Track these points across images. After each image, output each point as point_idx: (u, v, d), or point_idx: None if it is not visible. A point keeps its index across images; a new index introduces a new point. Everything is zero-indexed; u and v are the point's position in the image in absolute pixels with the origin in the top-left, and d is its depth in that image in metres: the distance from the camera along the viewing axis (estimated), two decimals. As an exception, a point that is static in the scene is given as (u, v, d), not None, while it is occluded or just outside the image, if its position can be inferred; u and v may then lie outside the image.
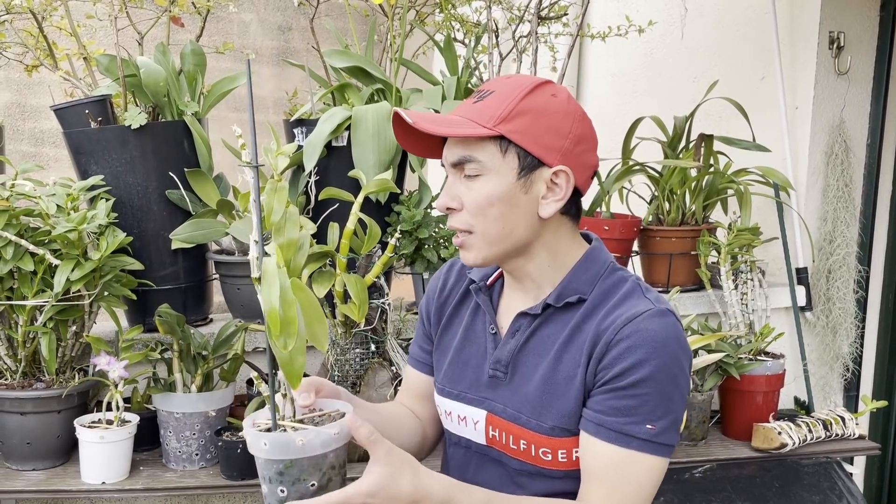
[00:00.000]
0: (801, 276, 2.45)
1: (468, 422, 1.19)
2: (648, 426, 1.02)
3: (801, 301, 2.42)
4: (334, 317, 1.87)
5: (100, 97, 1.96)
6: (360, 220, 1.83)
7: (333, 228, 1.85)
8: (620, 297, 1.09)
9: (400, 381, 1.85)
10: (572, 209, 1.12)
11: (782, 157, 2.45)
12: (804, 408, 2.41)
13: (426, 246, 2.08)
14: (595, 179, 1.92)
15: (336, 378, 1.86)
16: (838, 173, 2.36)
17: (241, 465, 1.77)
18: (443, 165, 1.13)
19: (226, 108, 5.11)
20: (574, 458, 1.09)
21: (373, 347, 1.85)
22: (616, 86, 3.32)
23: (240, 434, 1.79)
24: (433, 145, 1.14)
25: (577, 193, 1.11)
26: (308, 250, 1.76)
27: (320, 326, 1.08)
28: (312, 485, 0.98)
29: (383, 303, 1.84)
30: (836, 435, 2.13)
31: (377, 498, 0.96)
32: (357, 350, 1.85)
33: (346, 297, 1.80)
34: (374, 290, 1.86)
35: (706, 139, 2.26)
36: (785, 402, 2.44)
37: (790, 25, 2.47)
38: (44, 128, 5.25)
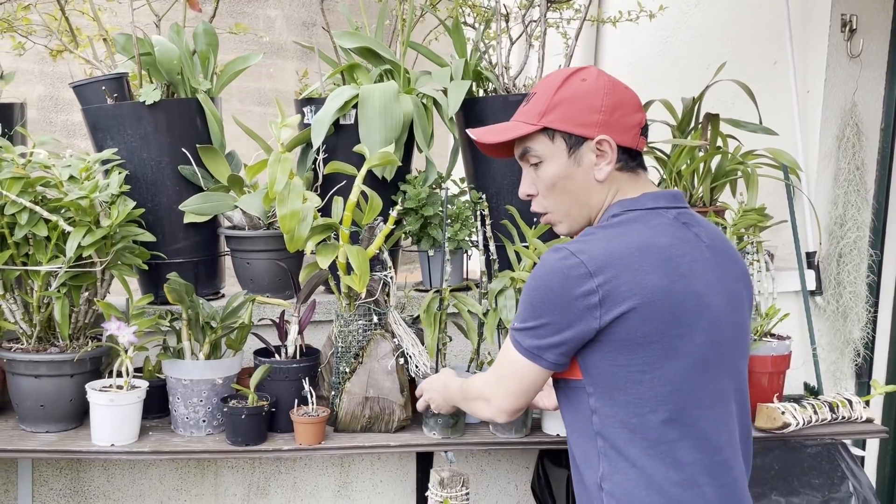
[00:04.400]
0: (812, 260, 2.43)
1: None
2: (515, 323, 1.34)
3: (812, 285, 2.40)
4: (339, 289, 1.91)
5: (117, 75, 2.03)
6: (364, 195, 1.87)
7: (338, 202, 1.89)
8: None
9: (401, 352, 1.88)
10: (628, 164, 1.34)
11: (794, 141, 2.44)
12: (813, 393, 2.39)
13: (432, 224, 2.11)
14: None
15: (340, 347, 1.90)
16: (850, 157, 2.34)
17: (245, 431, 1.82)
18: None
19: (252, 103, 5.21)
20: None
21: (375, 319, 1.88)
22: (632, 74, 3.32)
23: (245, 401, 1.84)
24: (508, 148, 1.42)
25: (628, 151, 1.34)
26: (311, 222, 1.82)
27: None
28: None
29: (385, 275, 1.88)
30: (843, 418, 2.11)
31: (424, 385, 1.73)
32: (360, 322, 1.89)
33: (349, 268, 1.84)
34: (378, 264, 1.90)
35: (712, 119, 2.26)
36: (795, 387, 2.43)
37: (802, 9, 2.46)
38: (75, 120, 5.39)
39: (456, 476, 1.82)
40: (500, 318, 1.88)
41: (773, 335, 2.16)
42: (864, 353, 2.48)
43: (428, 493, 1.82)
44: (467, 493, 1.82)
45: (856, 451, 2.08)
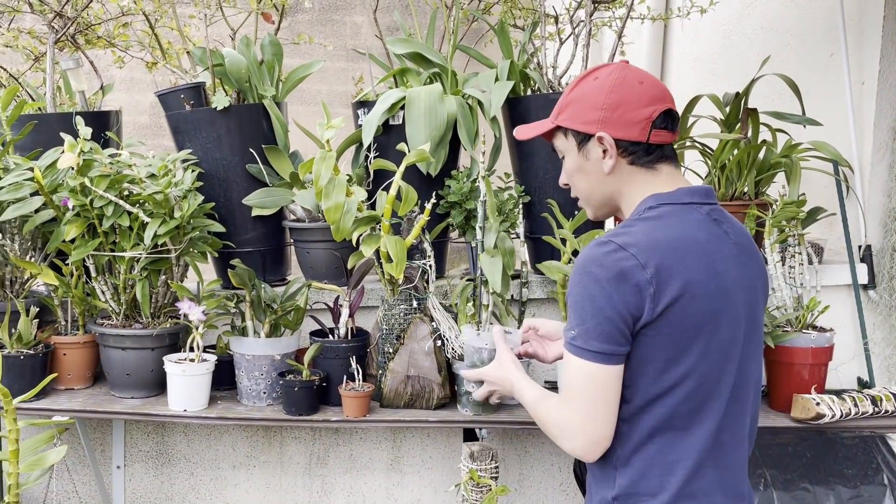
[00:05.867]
0: (868, 253, 2.40)
1: None
2: (571, 332, 1.31)
3: (864, 279, 2.38)
4: (383, 275, 2.09)
5: (195, 84, 2.28)
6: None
7: (381, 196, 2.06)
8: None
9: (438, 335, 2.03)
10: (643, 159, 1.38)
11: (848, 133, 2.41)
12: (865, 387, 2.37)
13: (475, 216, 2.25)
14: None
15: (384, 330, 2.07)
16: (904, 148, 2.30)
17: (298, 402, 2.02)
18: None
19: (339, 105, 5.49)
20: None
21: (415, 304, 2.04)
22: (696, 69, 3.33)
23: (300, 376, 2.04)
24: None
25: (637, 145, 1.37)
26: (355, 214, 1.99)
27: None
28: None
29: (424, 263, 2.03)
30: (886, 411, 2.10)
31: (496, 378, 1.63)
32: (401, 306, 2.06)
33: (389, 257, 2.01)
34: (417, 252, 2.06)
35: (752, 113, 2.28)
36: (849, 381, 2.41)
37: (858, 0, 2.43)
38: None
39: (486, 450, 1.95)
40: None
41: (814, 327, 2.17)
42: (922, 348, 2.42)
43: (460, 465, 1.96)
44: (496, 467, 1.95)
45: (893, 445, 2.06)
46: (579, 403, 1.30)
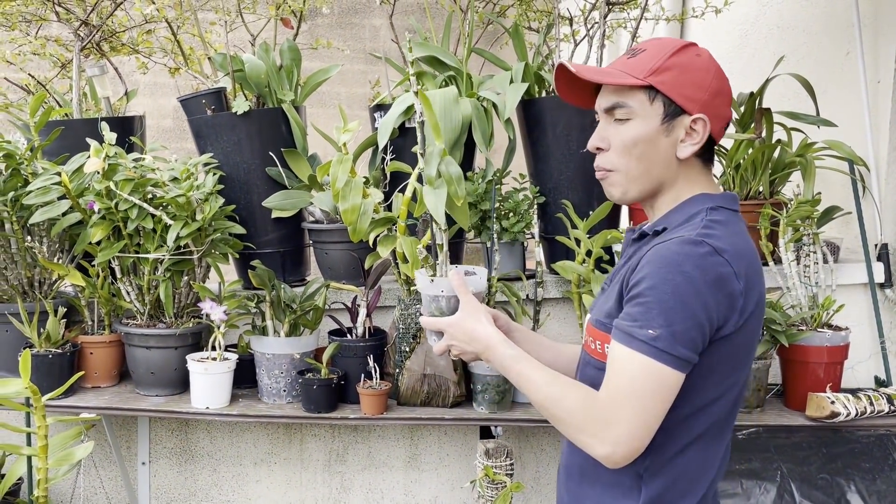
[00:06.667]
0: (883, 252, 2.40)
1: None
2: (650, 331, 1.16)
3: (880, 278, 2.38)
4: (400, 275, 2.12)
5: (216, 89, 2.33)
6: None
7: (398, 198, 2.10)
8: (685, 228, 1.23)
9: (454, 333, 2.06)
10: (705, 154, 1.29)
11: (864, 131, 2.41)
12: (883, 385, 2.36)
13: (490, 217, 2.28)
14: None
15: (400, 329, 2.11)
16: (921, 147, 2.29)
17: (317, 400, 2.07)
18: (596, 113, 1.32)
19: (358, 108, 5.54)
20: (604, 351, 1.26)
21: (431, 303, 2.08)
22: (713, 69, 3.33)
23: (318, 374, 2.08)
24: (587, 96, 1.35)
25: (710, 141, 1.28)
26: (372, 215, 2.03)
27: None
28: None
29: (438, 264, 2.06)
30: (902, 410, 2.10)
31: (454, 328, 1.38)
32: (417, 306, 2.09)
33: (405, 257, 2.05)
34: (433, 253, 2.09)
35: (765, 113, 2.29)
36: (865, 380, 2.41)
37: (873, -2, 2.43)
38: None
39: (500, 447, 1.98)
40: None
41: (829, 326, 2.18)
42: (940, 347, 2.42)
43: (475, 462, 1.99)
44: (511, 464, 1.98)
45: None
46: (632, 410, 1.16)
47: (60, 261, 2.22)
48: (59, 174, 2.06)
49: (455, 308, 1.41)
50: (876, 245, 2.40)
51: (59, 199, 2.09)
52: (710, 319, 1.17)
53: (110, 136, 2.05)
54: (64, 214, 2.09)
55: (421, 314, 1.55)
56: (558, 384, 1.25)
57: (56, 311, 2.16)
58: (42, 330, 2.15)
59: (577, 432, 1.21)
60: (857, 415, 2.04)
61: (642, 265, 1.21)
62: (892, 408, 2.09)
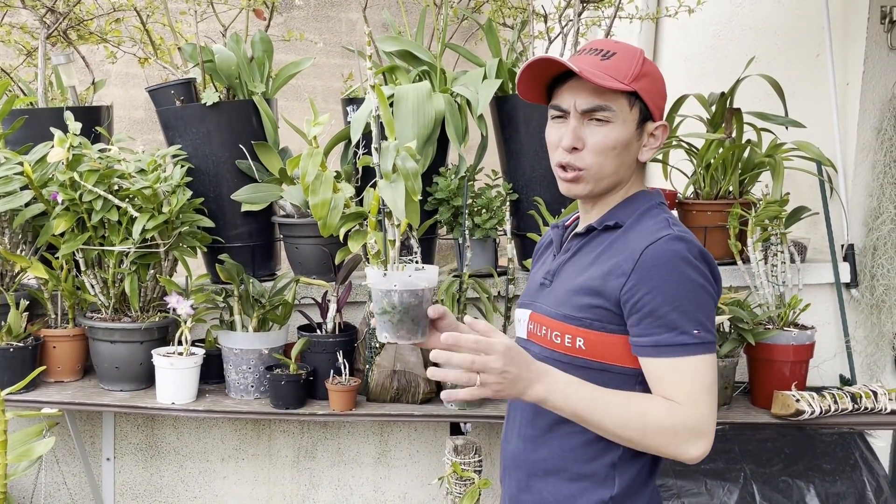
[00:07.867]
0: (850, 252, 2.44)
1: (521, 322, 1.43)
2: (694, 332, 1.21)
3: (846, 278, 2.41)
4: (370, 271, 2.11)
5: (185, 80, 2.30)
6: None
7: (369, 192, 2.08)
8: (651, 224, 1.29)
9: (424, 330, 2.05)
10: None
11: (832, 133, 2.44)
12: (847, 384, 2.40)
13: (462, 213, 2.27)
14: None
15: (371, 325, 2.09)
16: (887, 149, 2.33)
17: (285, 396, 2.05)
18: (563, 111, 1.30)
19: (334, 102, 5.52)
20: (577, 346, 1.27)
21: (401, 299, 2.06)
22: (687, 69, 3.36)
23: (287, 370, 2.06)
24: (540, 93, 1.34)
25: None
26: (342, 210, 2.01)
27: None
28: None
29: (411, 259, 2.06)
30: (866, 408, 2.13)
31: (513, 351, 1.16)
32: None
33: (376, 252, 2.03)
34: (404, 249, 2.08)
35: (735, 113, 2.30)
36: (831, 378, 2.44)
37: (843, 1, 2.45)
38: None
39: (469, 444, 1.98)
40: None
41: (796, 325, 2.20)
42: (902, 346, 2.46)
43: (444, 459, 1.99)
44: (479, 461, 1.98)
45: (871, 441, 2.09)
46: (708, 406, 1.21)
47: (23, 252, 2.17)
48: (21, 164, 2.02)
49: (408, 304, 1.23)
50: (843, 245, 2.44)
51: (22, 189, 2.04)
52: (716, 302, 1.26)
53: (75, 125, 2.01)
54: (27, 205, 2.04)
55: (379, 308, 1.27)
56: (637, 399, 1.23)
57: (18, 304, 2.12)
58: (3, 323, 2.10)
59: (669, 445, 1.21)
60: (821, 413, 2.07)
61: (646, 275, 1.22)
62: (856, 406, 2.12)
